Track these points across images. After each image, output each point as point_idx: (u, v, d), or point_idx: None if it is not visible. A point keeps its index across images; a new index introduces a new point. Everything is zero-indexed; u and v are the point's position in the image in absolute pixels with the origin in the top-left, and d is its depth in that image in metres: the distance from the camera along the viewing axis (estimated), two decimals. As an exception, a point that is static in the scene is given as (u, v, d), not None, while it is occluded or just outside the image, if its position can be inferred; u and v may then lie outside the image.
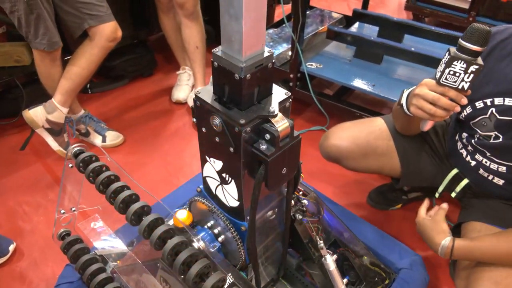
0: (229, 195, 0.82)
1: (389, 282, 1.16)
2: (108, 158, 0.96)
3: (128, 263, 1.02)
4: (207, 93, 0.72)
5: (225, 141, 0.71)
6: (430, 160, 1.24)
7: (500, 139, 1.00)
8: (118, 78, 2.34)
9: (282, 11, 1.66)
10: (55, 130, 1.71)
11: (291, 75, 1.85)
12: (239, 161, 0.72)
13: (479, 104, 1.00)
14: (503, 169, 1.04)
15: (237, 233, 0.87)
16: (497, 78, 0.96)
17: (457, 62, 0.82)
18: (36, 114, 1.65)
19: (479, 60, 0.82)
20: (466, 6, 2.60)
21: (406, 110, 0.99)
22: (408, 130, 1.18)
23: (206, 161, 0.82)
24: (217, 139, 0.73)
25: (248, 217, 0.80)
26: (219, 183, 0.83)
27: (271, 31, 2.22)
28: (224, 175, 0.80)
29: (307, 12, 2.33)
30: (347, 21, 2.29)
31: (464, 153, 1.12)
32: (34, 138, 1.82)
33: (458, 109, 0.88)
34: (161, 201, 0.83)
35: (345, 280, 1.06)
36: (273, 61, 0.68)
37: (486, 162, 1.07)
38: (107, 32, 1.59)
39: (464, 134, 1.10)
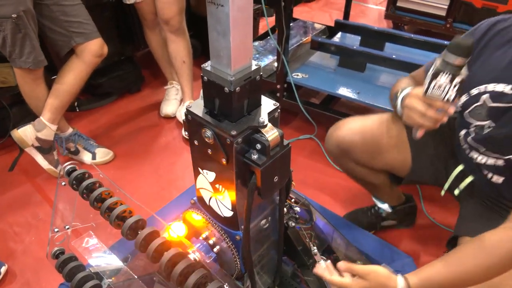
0: (223, 205, 0.84)
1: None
2: (101, 174, 0.97)
3: (123, 279, 1.02)
4: (198, 107, 0.74)
5: (217, 153, 0.73)
6: (440, 154, 1.21)
7: (490, 129, 0.99)
8: (106, 95, 2.35)
9: (267, 23, 1.70)
10: (45, 148, 1.71)
11: (278, 86, 1.89)
12: (232, 171, 0.74)
13: (475, 91, 1.00)
14: (499, 163, 1.01)
15: (232, 243, 0.88)
16: (493, 64, 0.98)
17: (442, 75, 0.85)
18: (25, 133, 1.65)
19: (464, 72, 0.85)
20: (443, 13, 2.70)
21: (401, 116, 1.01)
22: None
23: (199, 173, 0.84)
24: (209, 151, 0.75)
25: (242, 226, 0.82)
26: (212, 193, 0.85)
27: (256, 43, 2.27)
28: (217, 185, 0.81)
29: (291, 24, 2.39)
30: (330, 31, 2.35)
31: (467, 150, 1.10)
32: (22, 158, 1.81)
33: (445, 119, 0.91)
34: (155, 214, 0.84)
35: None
36: (261, 73, 0.71)
37: (482, 159, 1.05)
38: (93, 48, 1.61)
39: (463, 129, 1.09)
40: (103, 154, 1.89)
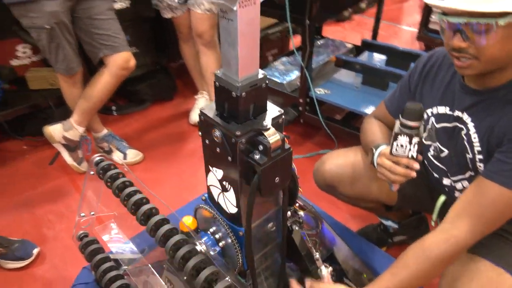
0: (229, 202, 0.91)
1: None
2: (126, 168, 1.07)
3: (138, 266, 1.11)
4: (210, 109, 0.83)
5: (224, 151, 0.81)
6: (423, 184, 1.26)
7: (445, 152, 1.07)
8: (141, 101, 2.52)
9: (291, 42, 1.79)
10: (71, 146, 1.87)
11: (301, 100, 1.96)
12: (236, 169, 0.81)
13: (425, 115, 1.09)
14: (466, 184, 1.06)
15: (236, 238, 0.95)
16: (435, 89, 1.07)
17: (401, 136, 0.97)
18: (54, 130, 1.82)
19: (421, 132, 0.95)
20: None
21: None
22: None
23: (210, 170, 0.92)
24: (218, 149, 0.83)
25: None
26: (220, 191, 0.93)
27: (284, 59, 2.36)
28: (224, 183, 0.89)
29: (320, 42, 2.47)
30: (357, 50, 2.40)
31: (438, 178, 1.16)
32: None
33: (413, 174, 1.00)
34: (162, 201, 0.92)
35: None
36: (266, 82, 0.79)
37: (453, 184, 1.11)
38: (120, 61, 1.74)
39: (426, 153, 1.15)
40: (133, 155, 2.03)
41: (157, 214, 0.87)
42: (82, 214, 1.10)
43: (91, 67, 1.96)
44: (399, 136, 0.98)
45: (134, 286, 1.06)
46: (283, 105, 2.09)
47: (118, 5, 2.12)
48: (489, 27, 0.80)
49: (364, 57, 2.33)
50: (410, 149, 0.99)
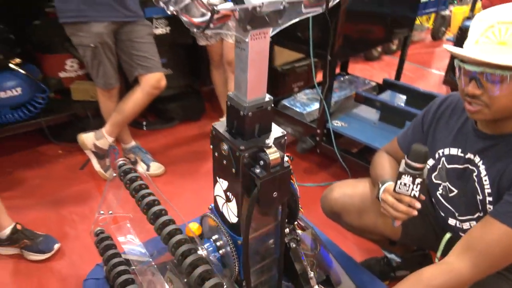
0: (231, 212, 1.00)
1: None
2: (148, 178, 1.18)
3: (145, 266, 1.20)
4: (221, 126, 0.93)
5: (230, 163, 0.91)
6: (427, 222, 1.30)
7: (455, 192, 1.10)
8: (170, 119, 2.69)
9: (313, 75, 1.90)
10: (100, 154, 2.03)
11: (318, 130, 2.04)
12: (239, 181, 0.90)
13: (436, 155, 1.14)
14: (473, 224, 1.09)
15: (235, 247, 1.02)
16: (447, 131, 1.12)
17: (405, 176, 1.02)
18: (87, 138, 1.99)
19: (424, 174, 1.01)
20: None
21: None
22: None
23: (217, 181, 1.02)
24: (224, 161, 0.93)
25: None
26: (224, 201, 1.01)
27: (307, 91, 2.47)
28: (228, 193, 0.98)
29: (345, 78, 2.57)
30: (380, 89, 2.48)
31: (446, 217, 1.19)
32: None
33: (415, 213, 1.04)
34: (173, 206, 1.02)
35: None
36: (272, 105, 0.89)
37: (459, 224, 1.13)
38: (152, 81, 1.90)
39: (435, 192, 1.18)
40: (156, 167, 2.17)
41: (166, 215, 0.97)
42: (102, 212, 1.21)
43: (129, 84, 2.15)
44: (403, 176, 1.03)
45: (140, 284, 1.15)
46: (302, 134, 2.18)
47: (159, 31, 2.33)
48: (503, 78, 0.86)
49: (386, 95, 2.40)
50: (413, 189, 1.04)
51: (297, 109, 2.20)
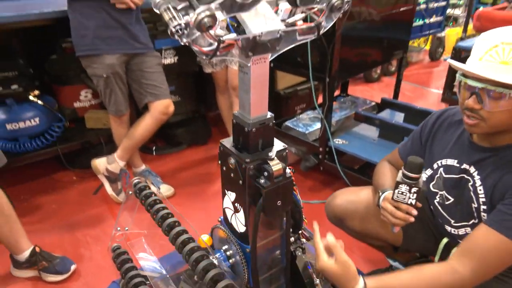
0: (239, 221, 1.08)
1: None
2: (161, 195, 1.27)
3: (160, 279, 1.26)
4: (228, 142, 1.03)
5: (237, 176, 0.99)
6: (427, 228, 1.36)
7: (451, 200, 1.17)
8: (178, 143, 2.80)
9: (313, 96, 2.01)
10: (112, 178, 2.13)
11: (320, 149, 2.13)
12: (246, 191, 0.99)
13: (434, 166, 1.21)
14: (469, 231, 1.15)
15: (243, 255, 1.09)
16: (445, 143, 1.20)
17: (402, 186, 1.10)
18: (100, 163, 2.10)
19: (420, 183, 1.09)
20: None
21: None
22: None
23: (225, 194, 1.10)
24: (232, 174, 1.02)
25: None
26: (233, 212, 1.09)
27: (309, 112, 2.57)
28: (236, 204, 1.06)
29: (345, 99, 2.68)
30: (379, 107, 2.58)
31: (443, 224, 1.25)
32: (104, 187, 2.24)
33: (412, 219, 1.12)
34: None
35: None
36: (273, 121, 0.98)
37: (455, 231, 1.20)
38: (160, 107, 2.03)
39: (432, 200, 1.25)
40: (165, 189, 2.25)
41: (179, 226, 1.05)
42: (118, 228, 1.29)
43: (139, 111, 2.27)
44: (400, 185, 1.11)
45: (154, 296, 1.21)
46: (305, 153, 2.27)
47: (167, 61, 2.48)
48: (502, 95, 0.93)
49: (385, 114, 2.50)
50: (409, 197, 1.12)
51: (300, 129, 2.30)
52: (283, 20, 0.89)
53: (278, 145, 1.02)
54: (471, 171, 1.11)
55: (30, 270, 1.70)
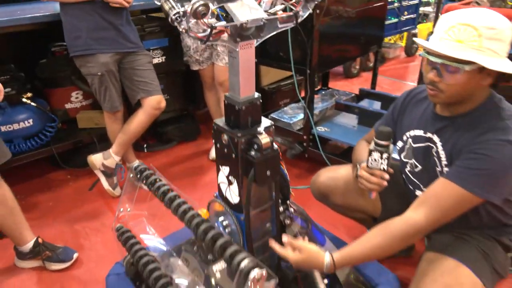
0: (233, 193, 1.20)
1: (368, 293, 1.39)
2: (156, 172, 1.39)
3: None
4: (221, 121, 1.15)
5: (230, 151, 1.12)
6: (404, 198, 1.48)
7: (419, 168, 1.31)
8: (168, 141, 2.90)
9: (296, 88, 2.15)
10: (108, 173, 2.22)
11: (305, 136, 2.27)
12: (238, 164, 1.11)
13: (404, 137, 1.36)
14: None
15: (238, 223, 1.22)
16: (412, 117, 1.35)
17: (374, 153, 1.26)
18: (96, 158, 2.19)
19: (390, 150, 1.24)
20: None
21: None
22: None
23: (220, 170, 1.22)
24: (225, 150, 1.14)
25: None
26: (227, 185, 1.22)
27: (293, 105, 2.72)
28: (230, 177, 1.19)
29: (326, 92, 2.84)
30: (358, 98, 2.75)
31: (414, 190, 1.40)
32: (100, 182, 2.33)
33: (385, 183, 1.27)
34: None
35: (325, 281, 1.32)
36: (260, 100, 1.11)
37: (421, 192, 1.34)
38: (153, 102, 2.14)
39: (404, 169, 1.40)
40: (159, 182, 2.35)
41: (180, 198, 1.16)
42: (121, 209, 1.40)
43: (130, 109, 2.37)
44: (372, 152, 1.26)
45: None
46: (291, 142, 2.41)
47: (155, 60, 2.59)
48: (458, 69, 1.08)
49: (363, 103, 2.67)
50: (381, 163, 1.27)
51: (285, 120, 2.44)
52: (266, 11, 1.02)
53: (265, 122, 1.15)
54: (434, 139, 1.26)
55: (34, 260, 1.78)
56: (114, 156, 2.19)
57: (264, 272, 0.90)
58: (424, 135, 1.30)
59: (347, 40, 2.40)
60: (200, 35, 0.88)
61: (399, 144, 1.39)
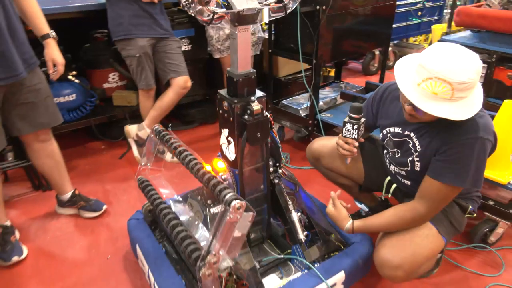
0: (231, 152, 1.48)
1: (344, 248, 1.63)
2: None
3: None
4: (223, 92, 1.43)
5: (228, 115, 1.39)
6: (380, 170, 1.73)
7: (398, 155, 1.54)
8: (190, 122, 3.23)
9: (303, 77, 2.40)
10: (140, 142, 2.56)
11: (310, 121, 2.51)
12: (234, 126, 1.38)
13: (384, 131, 1.57)
14: (403, 173, 1.54)
15: (234, 177, 1.49)
16: (390, 114, 1.54)
17: (347, 124, 1.51)
18: (131, 128, 2.54)
19: (361, 122, 1.48)
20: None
21: None
22: None
23: (221, 132, 1.50)
24: (225, 114, 1.41)
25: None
26: (226, 145, 1.49)
27: (304, 94, 2.96)
28: (229, 138, 1.46)
29: (336, 84, 3.06)
30: (366, 90, 2.95)
31: (389, 165, 1.63)
32: (130, 152, 2.68)
33: (355, 150, 1.53)
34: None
35: (305, 233, 1.57)
36: (255, 75, 1.38)
37: (396, 169, 1.58)
38: (181, 82, 2.46)
39: (385, 151, 1.63)
40: (179, 155, 2.67)
41: (192, 155, 1.45)
42: (142, 163, 1.71)
43: (161, 89, 2.70)
44: (346, 124, 1.51)
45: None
46: (299, 126, 2.65)
47: (183, 48, 2.89)
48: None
49: (369, 94, 2.86)
50: (353, 133, 1.51)
51: (294, 106, 2.69)
52: (260, 3, 1.29)
53: (259, 93, 1.42)
54: (411, 135, 1.47)
55: (71, 208, 2.14)
56: (146, 129, 2.53)
57: (244, 203, 1.16)
58: (401, 132, 1.50)
59: (352, 36, 2.60)
60: (205, 18, 1.16)
61: (381, 135, 1.62)
